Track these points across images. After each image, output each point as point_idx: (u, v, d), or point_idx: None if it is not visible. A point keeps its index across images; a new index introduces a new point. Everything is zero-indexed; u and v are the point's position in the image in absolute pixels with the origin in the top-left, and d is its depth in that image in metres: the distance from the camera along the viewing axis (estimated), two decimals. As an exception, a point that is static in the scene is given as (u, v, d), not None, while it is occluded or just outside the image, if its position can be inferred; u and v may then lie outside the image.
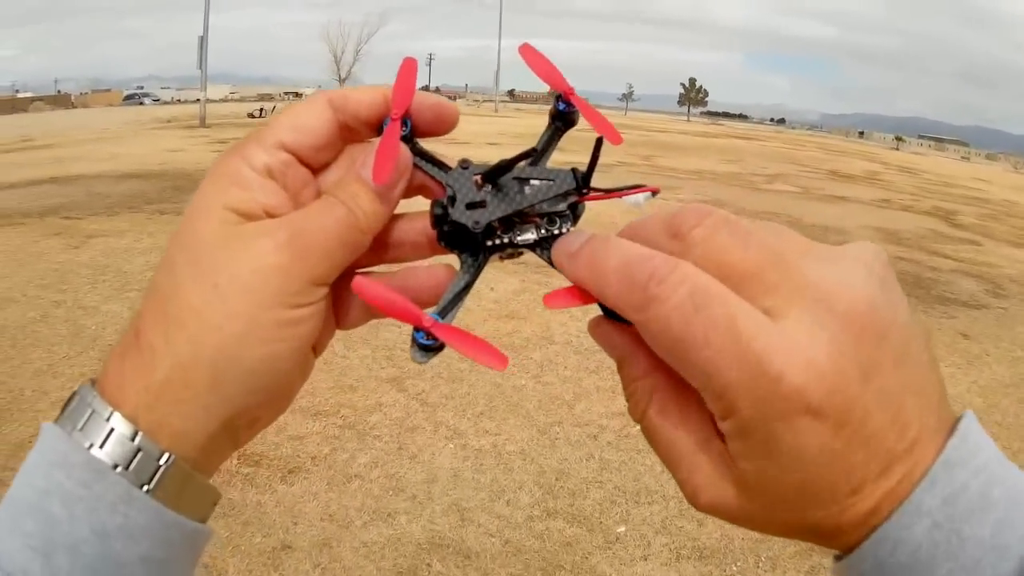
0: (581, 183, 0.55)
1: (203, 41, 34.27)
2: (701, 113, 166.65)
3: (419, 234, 0.56)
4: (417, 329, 0.50)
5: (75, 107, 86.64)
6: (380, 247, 0.56)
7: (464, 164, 0.55)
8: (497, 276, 8.03)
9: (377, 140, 0.53)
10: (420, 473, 4.41)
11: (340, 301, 0.56)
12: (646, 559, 3.81)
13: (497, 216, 0.53)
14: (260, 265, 0.48)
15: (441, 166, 0.56)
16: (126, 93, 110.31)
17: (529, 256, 0.55)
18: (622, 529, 4.03)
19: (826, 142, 67.32)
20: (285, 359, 0.50)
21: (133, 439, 0.45)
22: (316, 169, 0.55)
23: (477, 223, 0.53)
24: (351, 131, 0.55)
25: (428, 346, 0.50)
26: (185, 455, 0.47)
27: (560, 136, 0.58)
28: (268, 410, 0.53)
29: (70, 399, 0.48)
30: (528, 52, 0.59)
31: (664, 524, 4.08)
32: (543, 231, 0.54)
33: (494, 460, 4.59)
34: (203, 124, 31.97)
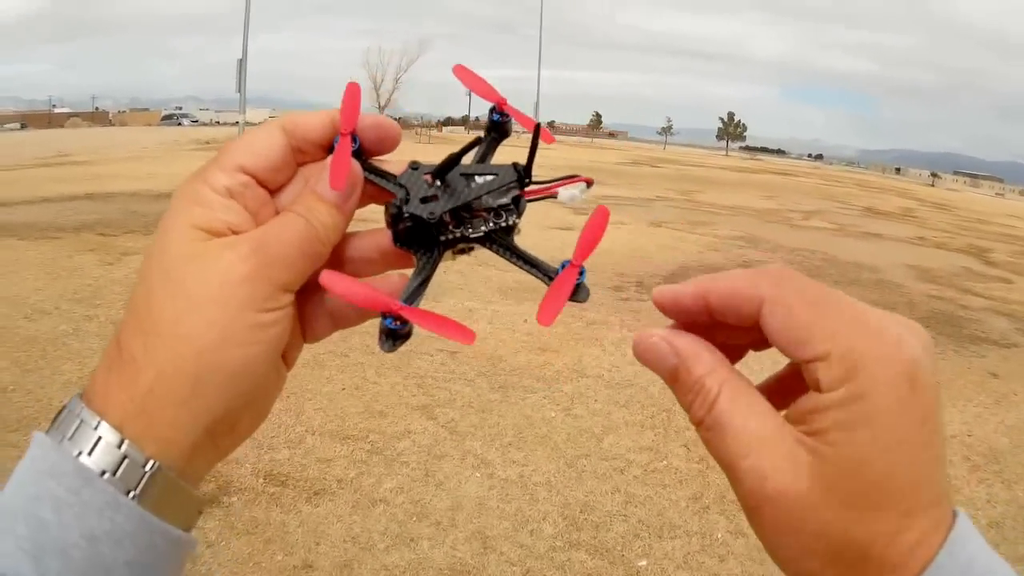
0: (522, 175, 0.58)
1: (242, 64, 34.41)
2: (740, 148, 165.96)
3: (372, 249, 0.60)
4: (385, 316, 0.52)
5: (112, 125, 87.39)
6: (335, 262, 0.59)
7: (414, 165, 0.59)
8: (531, 309, 7.79)
9: (329, 159, 0.56)
10: (445, 500, 4.41)
11: (305, 316, 0.59)
12: (667, 594, 3.78)
13: (449, 207, 0.56)
14: (228, 276, 0.51)
15: (391, 177, 0.59)
16: (164, 113, 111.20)
17: (460, 256, 0.59)
18: (643, 563, 4.01)
19: (863, 178, 66.93)
20: (260, 361, 0.53)
21: (119, 446, 0.48)
22: (273, 190, 0.58)
23: (432, 213, 0.56)
24: (303, 154, 0.59)
25: (396, 331, 0.52)
26: (170, 462, 0.50)
27: (496, 146, 0.62)
28: (247, 416, 0.56)
29: (60, 411, 0.51)
30: (461, 71, 0.64)
31: (686, 559, 4.06)
32: (491, 224, 0.57)
33: (520, 490, 4.59)
34: (241, 147, 31.88)
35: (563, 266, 0.56)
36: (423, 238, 0.57)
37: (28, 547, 0.45)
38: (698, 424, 0.49)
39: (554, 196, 0.60)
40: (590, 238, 0.56)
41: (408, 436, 5.16)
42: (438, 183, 0.58)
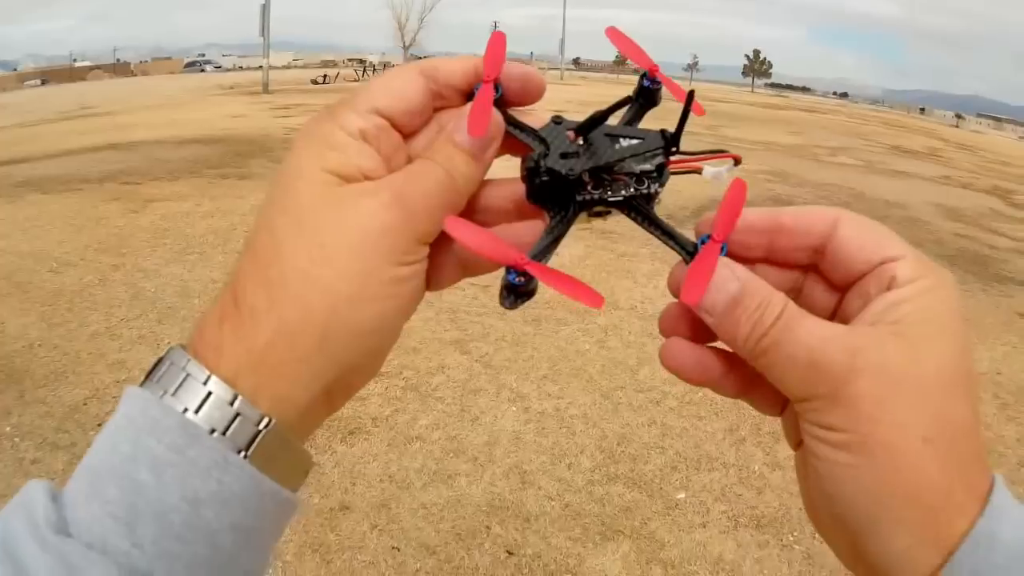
0: (670, 142, 0.56)
1: (265, 8, 34.40)
2: (765, 85, 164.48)
3: (505, 200, 0.58)
4: (508, 271, 0.50)
5: (135, 75, 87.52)
6: (468, 212, 0.56)
7: (557, 119, 0.57)
8: (563, 242, 7.84)
9: (468, 106, 0.54)
10: (482, 435, 4.42)
11: (432, 264, 0.55)
12: (704, 526, 3.79)
13: (590, 166, 0.54)
14: (369, 225, 0.48)
15: (531, 131, 0.57)
16: (187, 61, 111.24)
17: (594, 220, 0.57)
18: (682, 495, 4.02)
19: (888, 117, 66.38)
20: (393, 317, 0.51)
21: (232, 403, 0.45)
22: (407, 135, 0.55)
23: (571, 170, 0.53)
24: (442, 99, 0.56)
25: (519, 287, 0.50)
26: (285, 420, 0.47)
27: (643, 114, 0.60)
28: (367, 372, 0.54)
29: (157, 364, 0.48)
30: (614, 34, 0.62)
31: (723, 492, 4.07)
32: (632, 189, 0.55)
33: (556, 423, 4.58)
34: (266, 90, 31.98)
35: (702, 241, 0.53)
36: (559, 196, 0.55)
37: (120, 512, 0.42)
38: (762, 336, 0.48)
39: (698, 172, 0.59)
40: (730, 212, 0.54)
41: (442, 371, 5.16)
42: (580, 140, 0.55)
